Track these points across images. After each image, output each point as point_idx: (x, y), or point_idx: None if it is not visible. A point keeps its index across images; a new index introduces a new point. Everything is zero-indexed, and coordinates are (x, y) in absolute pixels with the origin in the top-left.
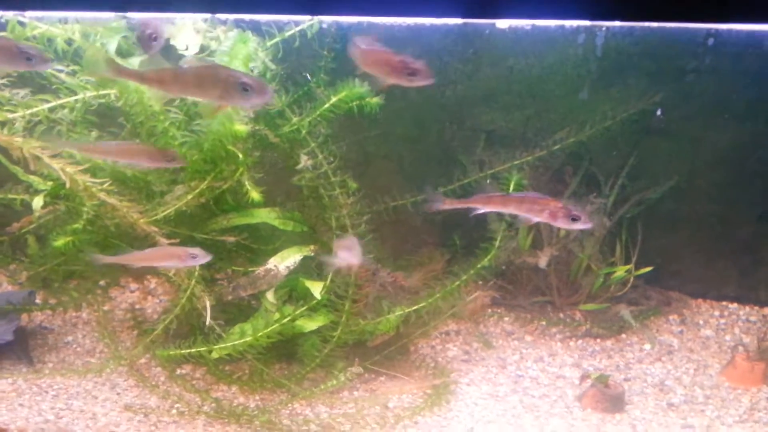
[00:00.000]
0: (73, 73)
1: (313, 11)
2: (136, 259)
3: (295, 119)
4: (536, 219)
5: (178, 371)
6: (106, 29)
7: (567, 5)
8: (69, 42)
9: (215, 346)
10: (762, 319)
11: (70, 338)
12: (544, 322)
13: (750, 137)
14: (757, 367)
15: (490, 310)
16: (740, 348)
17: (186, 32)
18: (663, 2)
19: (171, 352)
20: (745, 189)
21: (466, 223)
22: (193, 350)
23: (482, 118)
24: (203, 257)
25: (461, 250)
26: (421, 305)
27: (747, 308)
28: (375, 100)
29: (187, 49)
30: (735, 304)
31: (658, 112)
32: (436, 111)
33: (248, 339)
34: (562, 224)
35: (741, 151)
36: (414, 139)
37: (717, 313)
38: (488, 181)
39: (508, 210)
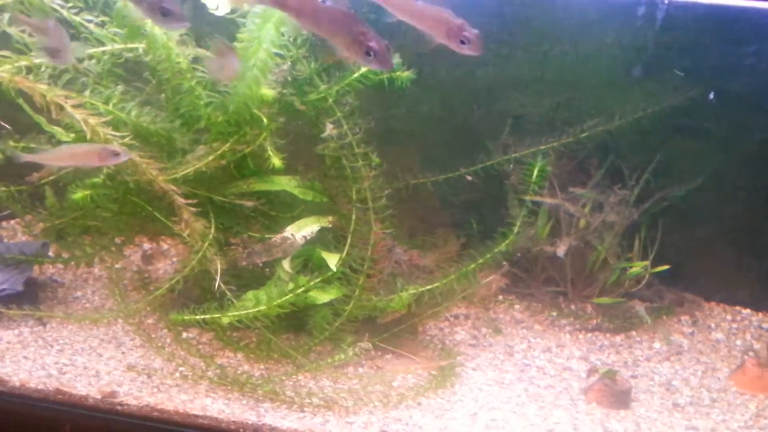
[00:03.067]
0: (102, 24)
1: None
2: (53, 157)
3: (323, 87)
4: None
5: (185, 335)
6: None
7: None
8: None
9: (228, 313)
10: None
11: (79, 293)
12: (555, 313)
13: None
14: (767, 374)
15: (501, 297)
16: (751, 353)
17: None
18: None
19: (185, 317)
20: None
21: (484, 207)
22: (207, 316)
23: (512, 102)
24: (125, 155)
25: (477, 234)
26: (435, 285)
27: (760, 315)
28: (406, 74)
29: (217, 8)
30: (748, 310)
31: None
32: (465, 92)
33: (262, 307)
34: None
35: None
36: (440, 119)
37: (729, 317)
38: (511, 166)
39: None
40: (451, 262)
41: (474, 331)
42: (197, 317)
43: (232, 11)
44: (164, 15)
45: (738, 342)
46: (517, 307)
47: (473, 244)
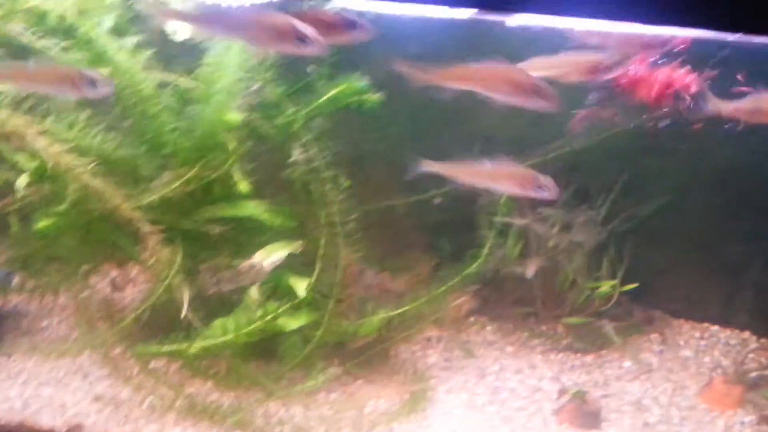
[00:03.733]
0: (66, 50)
1: None
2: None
3: (291, 110)
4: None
5: (153, 364)
6: (101, 5)
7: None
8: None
9: (195, 343)
10: (742, 342)
11: (45, 323)
12: (526, 334)
13: (746, 158)
14: (734, 390)
15: (473, 319)
16: (719, 370)
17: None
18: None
19: (151, 350)
20: (735, 211)
21: (457, 228)
22: (173, 348)
23: (481, 122)
24: (104, 84)
25: (449, 255)
26: (404, 309)
27: (728, 331)
28: (375, 97)
29: (175, 33)
30: (716, 326)
31: None
32: (435, 113)
33: (230, 336)
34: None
35: (736, 173)
36: (410, 141)
37: (698, 334)
38: None
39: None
40: (423, 285)
41: (446, 354)
42: (163, 349)
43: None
44: (301, 41)
45: (706, 359)
46: (488, 328)
47: (446, 266)
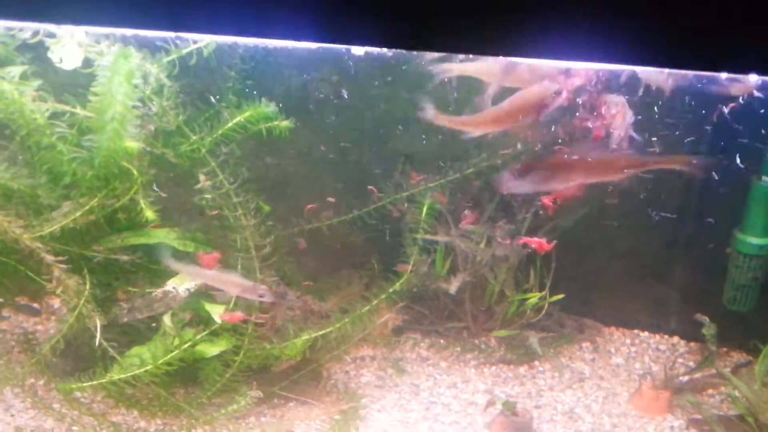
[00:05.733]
0: None
1: (173, 28)
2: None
3: (194, 138)
4: None
5: (78, 394)
6: None
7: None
8: None
9: (113, 376)
10: (671, 347)
11: None
12: (459, 348)
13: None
14: (662, 396)
15: (405, 336)
16: (648, 377)
17: (66, 45)
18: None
19: (72, 386)
20: (660, 219)
21: (385, 246)
22: (93, 383)
23: (401, 141)
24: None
25: (379, 273)
26: (328, 330)
27: (657, 337)
28: (285, 123)
29: (61, 62)
30: (646, 333)
31: None
32: (355, 133)
33: (148, 367)
34: None
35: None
36: (333, 161)
37: (628, 341)
38: (405, 205)
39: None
40: (354, 303)
41: (380, 372)
42: (83, 384)
43: (86, 64)
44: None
45: (637, 365)
46: (422, 344)
47: (376, 284)
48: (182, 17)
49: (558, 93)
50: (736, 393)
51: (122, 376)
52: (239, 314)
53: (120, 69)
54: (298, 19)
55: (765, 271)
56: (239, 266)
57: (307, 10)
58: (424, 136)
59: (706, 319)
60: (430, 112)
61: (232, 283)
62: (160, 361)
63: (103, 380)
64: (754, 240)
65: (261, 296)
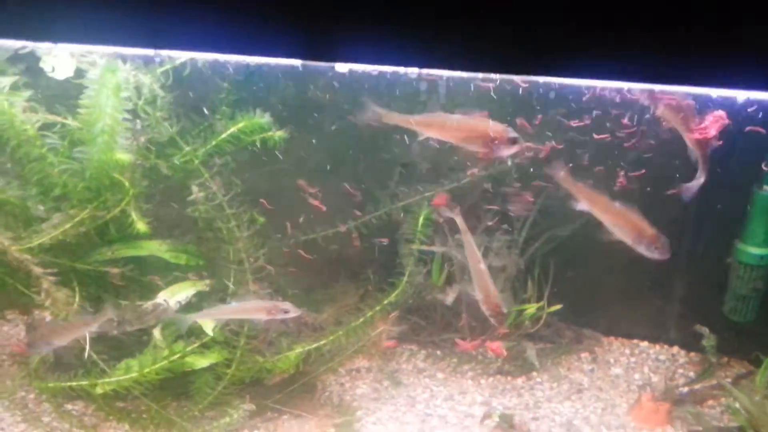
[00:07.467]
0: None
1: (153, 45)
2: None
3: (187, 149)
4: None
5: (70, 407)
6: None
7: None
8: None
9: (99, 381)
10: (671, 358)
11: None
12: (455, 360)
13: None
14: (662, 407)
15: (402, 347)
16: (647, 388)
17: (58, 55)
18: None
19: (50, 385)
20: (659, 228)
21: (381, 257)
22: (74, 384)
23: (397, 150)
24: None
25: (374, 284)
26: (322, 342)
27: (657, 347)
28: (279, 133)
29: (53, 71)
30: (646, 343)
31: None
32: (350, 143)
33: (134, 375)
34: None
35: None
36: (328, 172)
37: (627, 351)
38: (402, 215)
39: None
40: (349, 316)
41: (376, 384)
42: (62, 384)
43: (78, 74)
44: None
45: (636, 376)
46: (419, 356)
47: (371, 295)
48: (163, 35)
49: (512, 141)
50: (737, 404)
51: (106, 380)
52: None
53: (107, 82)
54: (280, 37)
55: (766, 281)
56: (231, 278)
57: (290, 27)
58: (420, 147)
59: (706, 330)
60: (379, 111)
61: (254, 308)
62: (146, 370)
63: (83, 382)
64: (755, 250)
65: (286, 312)
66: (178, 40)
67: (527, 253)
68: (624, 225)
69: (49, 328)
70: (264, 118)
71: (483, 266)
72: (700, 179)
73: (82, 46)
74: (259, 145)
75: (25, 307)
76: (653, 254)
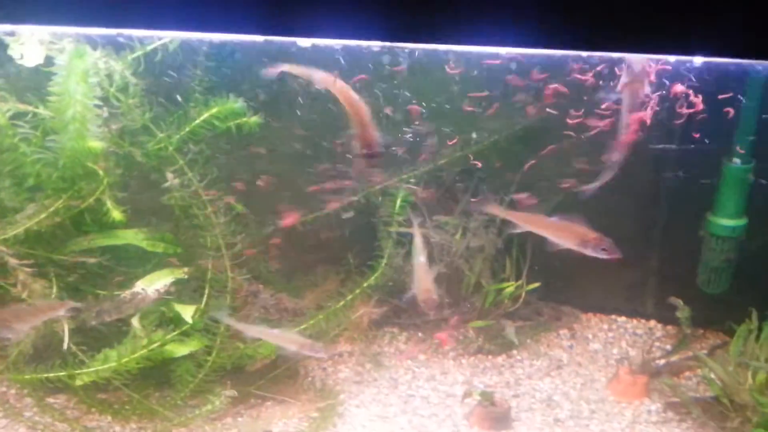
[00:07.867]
0: None
1: (113, 25)
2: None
3: (161, 135)
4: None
5: (52, 400)
6: None
7: None
8: None
9: (77, 371)
10: (648, 332)
11: None
12: (437, 340)
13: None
14: (640, 380)
15: (383, 330)
16: (625, 361)
17: (27, 42)
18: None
19: (27, 377)
20: (633, 204)
21: (360, 241)
22: (51, 375)
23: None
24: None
25: (355, 269)
26: (302, 327)
27: (634, 321)
28: (254, 119)
29: (22, 58)
30: (623, 318)
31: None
32: (325, 128)
33: (112, 365)
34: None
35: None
36: (305, 157)
37: (606, 326)
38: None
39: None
40: (330, 300)
41: (358, 368)
42: (40, 376)
43: (48, 62)
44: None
45: (614, 351)
46: (400, 338)
47: (352, 279)
48: (127, 13)
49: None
50: (712, 375)
51: (84, 371)
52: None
53: (76, 68)
54: (241, 12)
55: (738, 252)
56: (210, 265)
57: (252, 2)
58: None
59: (679, 302)
60: (319, 74)
61: (291, 341)
62: (125, 360)
63: (61, 373)
64: (726, 222)
65: (317, 352)
66: (140, 18)
67: (505, 232)
68: (565, 235)
69: (11, 313)
70: (238, 103)
71: (423, 258)
72: (600, 181)
73: (44, 27)
74: (234, 131)
75: (2, 299)
76: (602, 255)
